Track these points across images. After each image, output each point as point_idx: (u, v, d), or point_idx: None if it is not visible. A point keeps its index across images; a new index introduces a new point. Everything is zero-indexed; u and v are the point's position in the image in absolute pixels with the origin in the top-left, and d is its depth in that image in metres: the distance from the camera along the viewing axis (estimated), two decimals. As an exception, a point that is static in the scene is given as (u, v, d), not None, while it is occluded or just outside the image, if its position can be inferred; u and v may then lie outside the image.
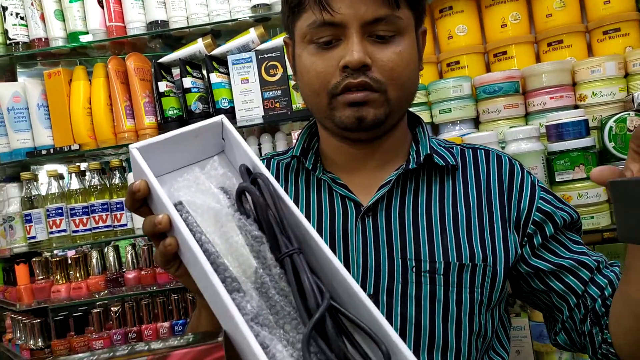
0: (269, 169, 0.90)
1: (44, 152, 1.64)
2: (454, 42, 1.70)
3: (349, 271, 0.78)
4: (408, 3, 0.75)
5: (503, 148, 1.48)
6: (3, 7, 1.62)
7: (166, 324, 1.66)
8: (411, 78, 0.77)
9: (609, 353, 0.76)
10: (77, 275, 1.69)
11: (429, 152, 0.80)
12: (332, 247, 0.80)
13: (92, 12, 1.61)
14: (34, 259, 1.74)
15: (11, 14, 1.62)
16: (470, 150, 0.86)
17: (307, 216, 0.83)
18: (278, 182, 0.88)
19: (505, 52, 1.66)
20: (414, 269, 0.76)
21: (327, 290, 0.51)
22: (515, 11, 1.65)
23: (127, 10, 1.60)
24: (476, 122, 1.63)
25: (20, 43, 1.64)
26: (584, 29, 1.61)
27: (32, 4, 1.62)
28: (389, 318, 0.76)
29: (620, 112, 1.36)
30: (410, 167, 0.79)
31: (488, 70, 1.71)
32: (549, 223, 0.81)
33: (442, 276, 0.76)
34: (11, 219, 1.70)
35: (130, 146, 0.59)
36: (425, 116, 1.63)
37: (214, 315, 0.56)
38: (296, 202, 0.85)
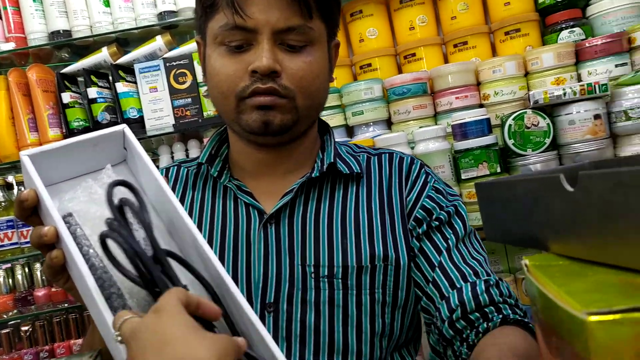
0: (178, 176, 0.88)
1: (-58, 169, 1.57)
2: (365, 45, 1.72)
3: (251, 279, 0.78)
4: (321, 15, 0.76)
5: (412, 148, 1.50)
6: None
7: (79, 341, 1.61)
8: (320, 88, 0.78)
9: None
10: (-15, 294, 1.62)
11: (332, 160, 0.81)
12: (235, 256, 0.79)
13: (-11, 23, 1.55)
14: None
15: None
16: (376, 156, 0.88)
17: (212, 224, 0.82)
18: (186, 189, 0.88)
19: (414, 54, 1.69)
20: (312, 275, 0.76)
21: None
22: (422, 14, 1.68)
23: (27, 20, 1.54)
24: (389, 123, 1.66)
25: None
26: (487, 30, 1.67)
27: None
28: (289, 325, 0.76)
29: (518, 110, 1.41)
30: (313, 175, 0.80)
31: (400, 71, 1.74)
32: (428, 220, 0.81)
33: (340, 280, 0.76)
34: None
35: (20, 153, 0.56)
36: (339, 119, 1.65)
37: None
38: (201, 209, 0.84)
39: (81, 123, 1.55)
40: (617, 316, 0.33)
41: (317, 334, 0.76)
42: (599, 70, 1.46)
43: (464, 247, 0.81)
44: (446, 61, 1.71)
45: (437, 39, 1.69)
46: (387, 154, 0.88)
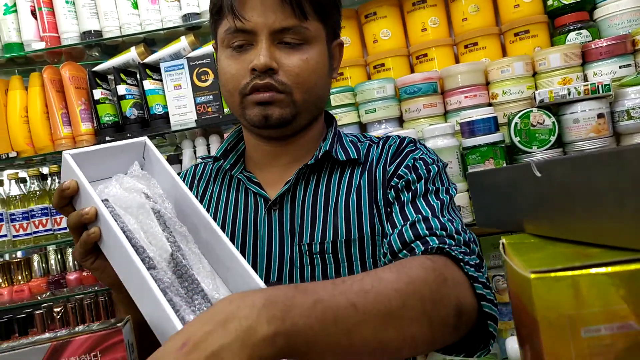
0: (202, 172, 0.98)
1: (-18, 160, 1.68)
2: (379, 45, 1.79)
3: (257, 261, 0.87)
4: (318, 16, 0.83)
5: (422, 145, 1.57)
6: (-63, 20, 1.65)
7: (126, 317, 1.71)
8: (318, 84, 0.84)
9: None
10: (20, 278, 1.74)
11: (327, 149, 0.87)
12: (244, 240, 0.88)
13: (26, 24, 1.66)
14: (-24, 265, 1.78)
15: (-55, 27, 1.66)
16: (377, 143, 0.93)
17: (225, 213, 0.91)
18: (208, 183, 0.98)
19: (426, 55, 1.76)
20: (307, 253, 0.84)
21: None
22: (434, 16, 1.75)
23: (60, 21, 1.65)
24: (401, 121, 1.73)
25: (-45, 55, 1.68)
26: (497, 31, 1.72)
27: (-34, 17, 1.66)
28: None
29: (524, 109, 1.47)
30: (309, 163, 0.86)
31: (412, 71, 1.81)
32: (397, 182, 0.84)
33: (331, 255, 0.83)
34: (-48, 225, 1.73)
35: (64, 152, 0.67)
36: (353, 116, 1.72)
37: (130, 307, 0.66)
38: (218, 200, 0.93)
39: (111, 118, 1.65)
40: (554, 274, 0.40)
41: None
42: (604, 71, 1.52)
43: (419, 200, 0.82)
44: (457, 61, 1.77)
45: (449, 40, 1.76)
46: (385, 139, 0.93)
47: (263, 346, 0.47)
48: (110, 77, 1.70)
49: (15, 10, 1.67)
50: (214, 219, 0.91)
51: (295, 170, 0.87)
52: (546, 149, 1.46)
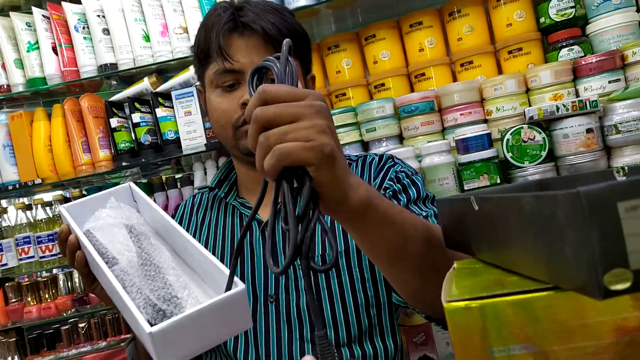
0: (199, 202, 1.08)
1: (10, 187, 1.81)
2: (378, 66, 1.87)
3: (255, 277, 0.96)
4: (295, 54, 0.94)
5: (420, 161, 1.64)
6: (-34, 59, 1.80)
7: (129, 335, 1.82)
8: None
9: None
10: (47, 296, 1.86)
11: None
12: (242, 259, 0.97)
13: (47, 59, 1.78)
14: (6, 284, 1.91)
15: (-26, 65, 1.80)
16: (356, 161, 1.03)
17: (223, 239, 1.01)
18: (205, 212, 1.08)
19: (424, 74, 1.83)
20: (300, 267, 0.93)
21: None
22: (430, 36, 1.82)
23: (79, 55, 1.77)
24: (401, 138, 1.80)
25: (-16, 91, 1.82)
26: (492, 49, 1.79)
27: (-7, 55, 1.80)
28: (288, 311, 0.93)
29: (515, 126, 1.53)
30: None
31: (412, 90, 1.88)
32: (384, 193, 0.94)
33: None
34: (-16, 249, 1.87)
35: (59, 207, 0.82)
36: (355, 135, 1.80)
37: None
38: (216, 227, 1.03)
39: (127, 144, 1.76)
40: (462, 303, 0.47)
41: (310, 314, 0.92)
42: (594, 87, 1.57)
43: (414, 206, 0.92)
44: (454, 79, 1.84)
45: (446, 59, 1.83)
46: (363, 157, 1.04)
47: None
48: (126, 105, 1.82)
49: (38, 47, 1.80)
50: (214, 242, 1.01)
51: None
52: (538, 164, 1.51)
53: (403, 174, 0.97)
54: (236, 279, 0.66)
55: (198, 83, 1.05)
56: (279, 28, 0.92)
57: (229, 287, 0.64)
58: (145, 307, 0.65)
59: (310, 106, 0.54)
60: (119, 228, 0.76)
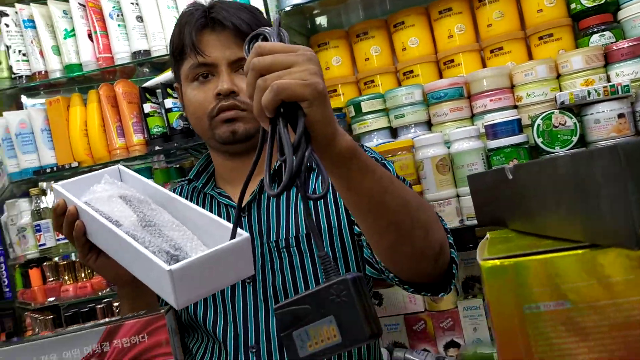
0: (180, 193, 1.12)
1: (48, 170, 1.87)
2: (407, 53, 1.88)
3: None
4: None
5: (449, 147, 1.65)
6: (7, 46, 1.86)
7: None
8: None
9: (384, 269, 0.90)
10: (83, 275, 1.93)
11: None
12: None
13: (83, 46, 1.84)
14: (44, 264, 1.98)
15: (14, 52, 1.86)
16: None
17: None
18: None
19: (453, 60, 1.83)
20: (275, 249, 0.98)
21: None
22: (460, 23, 1.82)
23: (113, 42, 1.82)
24: (430, 125, 1.80)
25: (23, 76, 1.88)
26: (522, 35, 1.78)
27: (31, 42, 1.85)
28: (264, 291, 0.98)
29: (546, 111, 1.53)
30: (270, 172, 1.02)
31: (441, 76, 1.88)
32: None
33: (294, 247, 0.98)
34: (24, 229, 1.95)
35: (53, 184, 0.84)
36: (384, 121, 1.81)
37: (132, 299, 0.86)
38: None
39: (160, 129, 1.80)
40: (500, 261, 0.49)
41: (286, 293, 0.97)
42: (625, 72, 1.55)
43: None
44: (484, 66, 1.83)
45: (475, 46, 1.82)
46: None
47: None
48: (159, 91, 1.86)
49: (74, 35, 1.85)
50: None
51: (259, 181, 1.02)
52: (569, 149, 1.50)
53: (374, 159, 1.01)
54: (239, 230, 0.70)
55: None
56: (249, 24, 0.98)
57: (233, 236, 0.69)
58: (159, 254, 0.68)
59: (302, 54, 0.60)
60: (116, 199, 0.79)
